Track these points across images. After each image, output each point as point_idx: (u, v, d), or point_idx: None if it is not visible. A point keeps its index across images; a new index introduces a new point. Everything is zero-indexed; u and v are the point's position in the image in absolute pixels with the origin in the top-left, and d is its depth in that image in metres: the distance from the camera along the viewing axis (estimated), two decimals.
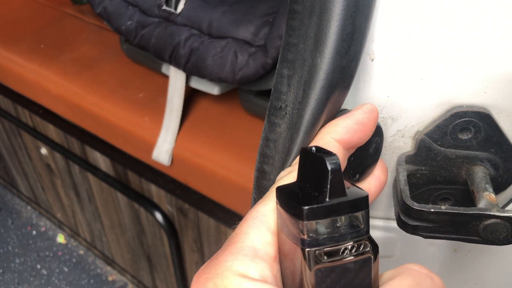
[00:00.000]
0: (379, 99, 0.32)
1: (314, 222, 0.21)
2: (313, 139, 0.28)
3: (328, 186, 0.21)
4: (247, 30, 0.77)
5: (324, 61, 0.27)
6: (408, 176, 0.34)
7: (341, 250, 0.21)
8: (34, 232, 1.61)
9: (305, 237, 0.21)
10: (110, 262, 1.45)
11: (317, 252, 0.21)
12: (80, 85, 1.04)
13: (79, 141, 1.11)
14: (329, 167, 0.21)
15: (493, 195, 0.30)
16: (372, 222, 0.39)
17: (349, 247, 0.21)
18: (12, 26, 1.25)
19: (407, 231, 0.31)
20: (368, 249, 0.21)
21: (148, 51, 0.88)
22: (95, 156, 1.10)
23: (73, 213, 1.40)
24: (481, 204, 0.30)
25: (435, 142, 0.32)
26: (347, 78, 0.28)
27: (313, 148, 0.22)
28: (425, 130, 0.32)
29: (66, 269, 1.50)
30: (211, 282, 0.22)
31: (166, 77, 0.92)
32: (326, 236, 0.21)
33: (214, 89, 0.87)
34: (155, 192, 1.01)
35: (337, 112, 0.29)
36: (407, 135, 0.33)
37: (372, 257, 0.21)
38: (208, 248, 0.99)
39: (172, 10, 0.84)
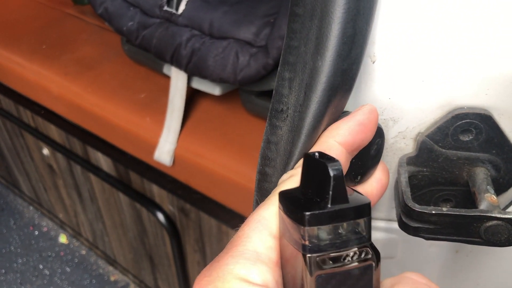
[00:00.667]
0: (381, 101, 0.32)
1: (315, 228, 0.21)
2: (316, 142, 0.28)
3: (330, 192, 0.21)
4: (248, 31, 0.77)
5: (325, 64, 0.27)
6: (410, 177, 0.34)
7: (343, 257, 0.21)
8: (36, 232, 1.62)
9: (307, 242, 0.21)
10: (112, 262, 1.45)
11: (318, 258, 0.21)
12: (81, 85, 1.04)
13: (81, 142, 1.11)
14: (331, 174, 0.21)
15: (495, 197, 0.30)
16: (374, 223, 0.39)
17: (351, 253, 0.21)
18: (13, 26, 1.25)
19: (408, 233, 0.31)
20: (370, 256, 0.21)
21: (149, 51, 0.88)
22: (97, 156, 1.10)
23: (75, 213, 1.40)
24: (483, 205, 0.30)
25: (437, 144, 0.32)
26: (348, 81, 0.28)
27: (316, 154, 0.22)
28: (426, 131, 0.32)
29: (68, 269, 1.51)
30: (212, 285, 0.22)
31: (167, 77, 0.92)
32: (327, 242, 0.21)
33: (215, 90, 0.87)
34: (156, 192, 1.01)
35: (339, 114, 0.29)
36: (408, 137, 0.33)
37: (374, 264, 0.21)
38: (210, 248, 0.99)
39: (174, 11, 0.84)
